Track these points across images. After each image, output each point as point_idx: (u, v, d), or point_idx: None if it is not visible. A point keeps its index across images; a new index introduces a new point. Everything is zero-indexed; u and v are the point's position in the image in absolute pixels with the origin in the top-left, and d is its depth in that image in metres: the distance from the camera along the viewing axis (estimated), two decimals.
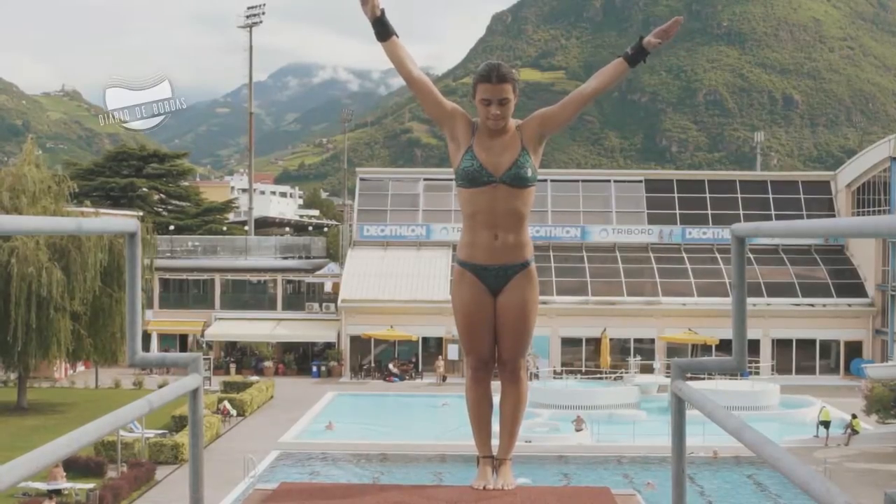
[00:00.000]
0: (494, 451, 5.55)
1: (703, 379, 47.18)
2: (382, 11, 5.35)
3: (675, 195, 63.76)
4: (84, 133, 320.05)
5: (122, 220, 3.81)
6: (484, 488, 5.34)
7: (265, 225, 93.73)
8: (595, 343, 56.98)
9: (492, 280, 5.40)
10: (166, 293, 62.50)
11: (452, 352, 56.05)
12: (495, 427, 5.56)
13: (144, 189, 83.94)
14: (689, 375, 4.16)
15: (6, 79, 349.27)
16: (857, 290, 59.08)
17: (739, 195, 63.38)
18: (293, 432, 40.53)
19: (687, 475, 4.12)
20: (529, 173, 5.31)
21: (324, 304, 61.74)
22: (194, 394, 4.05)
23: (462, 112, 5.51)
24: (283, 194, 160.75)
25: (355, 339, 58.36)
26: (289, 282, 64.03)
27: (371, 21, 5.35)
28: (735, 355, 3.89)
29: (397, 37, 5.42)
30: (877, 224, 2.47)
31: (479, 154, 5.31)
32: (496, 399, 5.58)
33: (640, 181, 65.99)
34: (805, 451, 36.74)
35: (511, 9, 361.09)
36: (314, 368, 58.30)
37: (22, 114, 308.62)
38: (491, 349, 5.49)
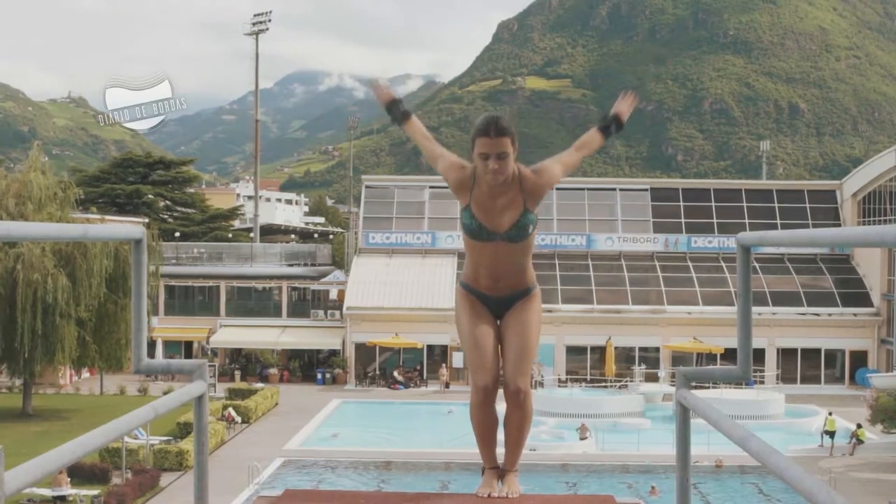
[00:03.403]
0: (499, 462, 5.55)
1: (708, 388, 47.21)
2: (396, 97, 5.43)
3: (681, 204, 63.77)
4: (90, 139, 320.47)
5: (127, 227, 3.82)
6: (489, 496, 5.33)
7: (270, 232, 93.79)
8: (600, 351, 56.87)
9: (494, 306, 5.48)
10: (171, 300, 62.48)
11: (457, 359, 56.00)
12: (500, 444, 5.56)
13: (150, 196, 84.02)
14: (693, 384, 4.15)
15: (13, 85, 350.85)
16: (863, 299, 59.01)
17: (745, 204, 63.36)
18: (298, 439, 40.49)
19: (691, 484, 4.11)
20: (530, 229, 5.32)
21: (329, 312, 61.80)
22: (199, 401, 4.05)
23: (463, 171, 5.37)
24: (289, 201, 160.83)
25: (360, 347, 58.36)
26: (294, 289, 64.01)
27: (385, 106, 5.43)
28: (740, 364, 3.88)
29: (411, 115, 5.49)
30: (882, 233, 2.47)
31: (478, 213, 5.28)
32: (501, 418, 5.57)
33: (646, 189, 66.03)
34: (810, 460, 36.70)
35: (517, 17, 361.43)
36: (319, 376, 58.29)
37: (28, 120, 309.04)
38: (496, 369, 5.40)
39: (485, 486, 5.42)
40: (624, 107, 5.56)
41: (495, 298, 5.45)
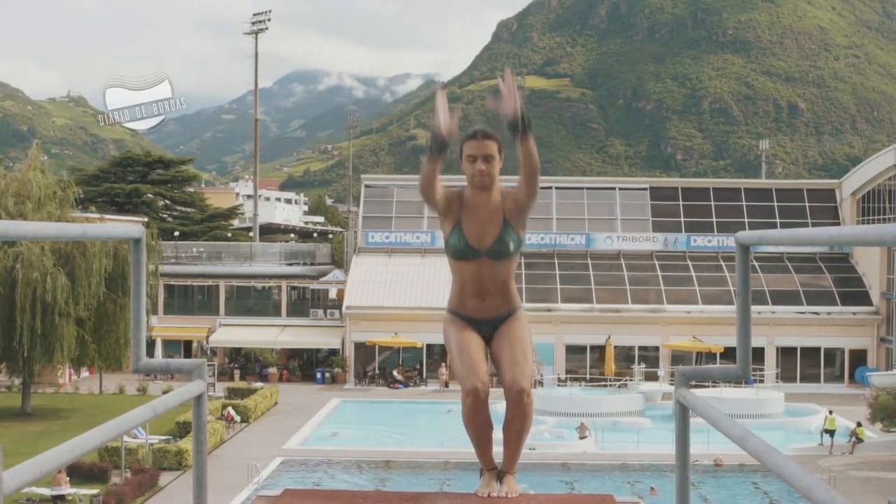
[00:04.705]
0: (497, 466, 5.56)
1: (708, 387, 47.20)
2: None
3: (680, 203, 63.77)
4: (89, 139, 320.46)
5: (126, 227, 3.81)
6: (488, 496, 5.33)
7: (270, 231, 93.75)
8: (599, 351, 56.89)
9: (482, 328, 5.60)
10: (171, 299, 62.46)
11: None
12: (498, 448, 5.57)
13: (149, 195, 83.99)
14: (693, 383, 4.15)
15: (12, 84, 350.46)
16: (862, 298, 59.01)
17: (744, 203, 63.36)
18: (297, 439, 40.49)
19: (691, 483, 4.11)
20: (512, 247, 5.50)
21: (328, 311, 61.77)
22: (198, 400, 4.05)
23: (451, 192, 5.62)
24: (288, 201, 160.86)
25: (360, 346, 58.34)
26: (293, 288, 63.99)
27: (439, 142, 5.30)
28: (739, 363, 3.88)
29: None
30: (881, 232, 2.47)
31: (467, 229, 5.50)
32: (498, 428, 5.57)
33: (645, 189, 66.03)
34: (809, 459, 36.70)
35: (517, 16, 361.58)
36: (318, 375, 58.28)
37: (27, 119, 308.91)
38: (485, 373, 5.42)
39: (484, 486, 5.45)
40: (507, 106, 5.17)
41: (482, 320, 5.58)
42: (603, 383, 53.69)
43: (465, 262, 5.51)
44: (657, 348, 57.45)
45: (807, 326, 57.86)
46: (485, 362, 5.48)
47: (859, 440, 39.55)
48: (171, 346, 60.46)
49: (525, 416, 5.42)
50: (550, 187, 64.45)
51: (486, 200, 5.50)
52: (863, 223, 60.90)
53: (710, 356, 54.72)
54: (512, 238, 5.47)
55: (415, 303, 57.45)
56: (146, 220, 66.90)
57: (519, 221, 5.52)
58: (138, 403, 3.50)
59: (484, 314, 5.57)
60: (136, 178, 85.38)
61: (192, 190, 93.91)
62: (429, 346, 57.75)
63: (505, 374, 5.42)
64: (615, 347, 56.13)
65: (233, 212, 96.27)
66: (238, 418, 43.83)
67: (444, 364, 56.22)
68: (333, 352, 59.72)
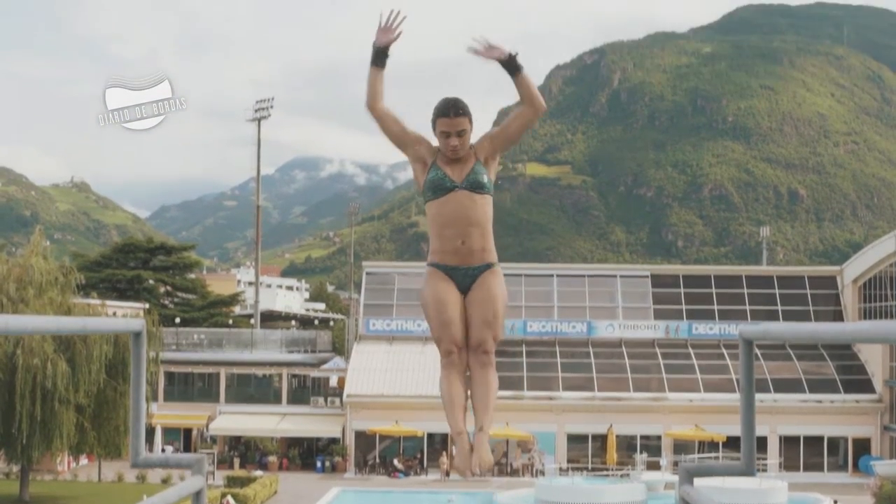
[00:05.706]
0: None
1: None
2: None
3: (682, 290, 63.75)
4: (92, 224, 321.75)
5: (126, 320, 3.81)
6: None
7: (271, 318, 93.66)
8: (601, 439, 56.58)
9: (460, 278, 5.74)
10: (171, 386, 62.26)
11: None
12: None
13: (151, 281, 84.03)
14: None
15: (16, 170, 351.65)
16: (865, 386, 58.79)
17: (746, 290, 63.31)
18: None
19: None
20: (485, 179, 5.76)
21: (329, 399, 61.52)
22: (197, 496, 4.01)
23: (426, 139, 5.94)
24: (290, 287, 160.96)
25: (360, 435, 58.01)
26: (294, 376, 63.85)
27: (379, 48, 5.83)
28: (744, 458, 3.85)
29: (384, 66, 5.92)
30: (885, 329, 2.45)
31: (443, 167, 5.77)
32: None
33: (646, 276, 66.05)
34: None
35: (517, 103, 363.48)
36: (318, 463, 57.92)
37: (31, 205, 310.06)
38: (462, 334, 5.67)
39: (460, 456, 5.57)
40: (493, 53, 6.04)
41: (462, 269, 5.73)
42: (605, 473, 53.29)
43: (443, 196, 5.71)
44: (659, 437, 57.14)
45: (809, 415, 57.59)
46: (461, 322, 5.67)
47: None
48: (171, 434, 60.14)
49: (488, 379, 5.66)
50: (552, 275, 64.55)
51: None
52: (865, 310, 60.94)
53: (712, 445, 54.37)
54: (483, 172, 5.79)
55: (416, 391, 57.24)
56: (147, 306, 66.86)
57: (491, 161, 5.89)
58: (137, 492, 3.48)
59: (464, 260, 5.72)
60: (137, 264, 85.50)
61: (193, 276, 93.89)
62: (430, 435, 57.44)
63: (473, 335, 5.67)
64: (617, 436, 55.82)
65: (234, 298, 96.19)
66: None
67: (445, 453, 55.88)
68: (334, 440, 59.39)
